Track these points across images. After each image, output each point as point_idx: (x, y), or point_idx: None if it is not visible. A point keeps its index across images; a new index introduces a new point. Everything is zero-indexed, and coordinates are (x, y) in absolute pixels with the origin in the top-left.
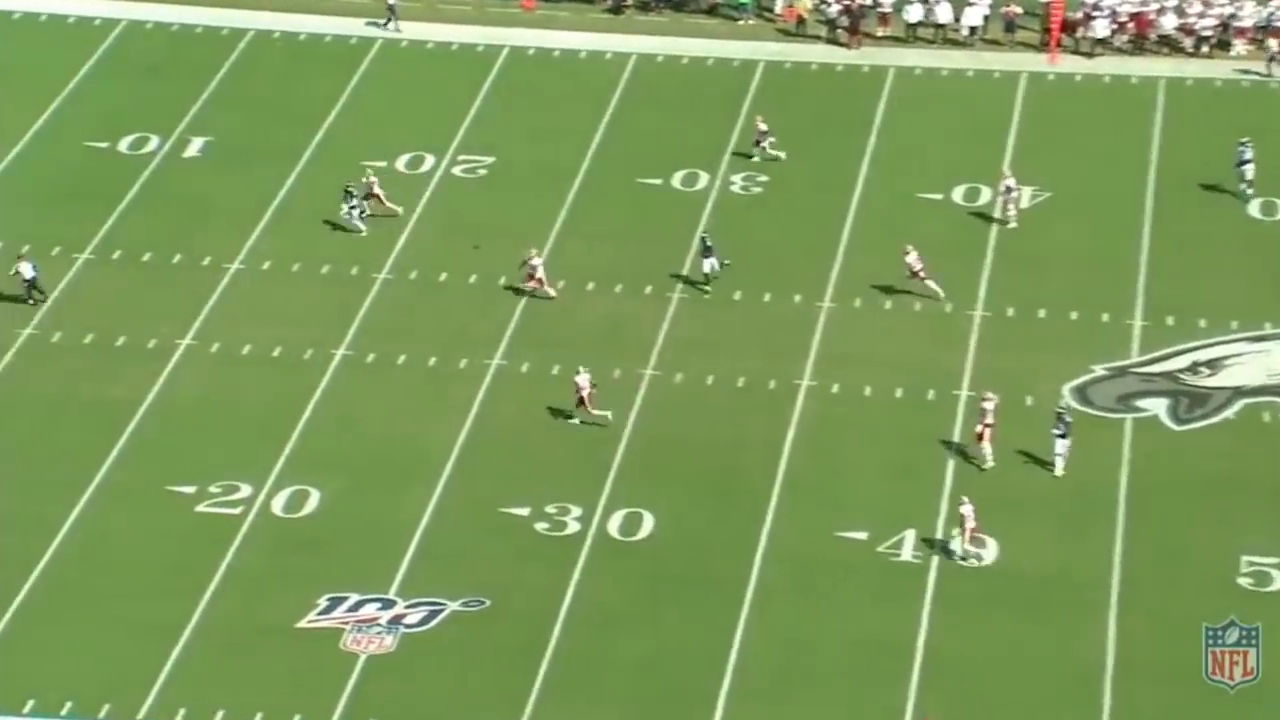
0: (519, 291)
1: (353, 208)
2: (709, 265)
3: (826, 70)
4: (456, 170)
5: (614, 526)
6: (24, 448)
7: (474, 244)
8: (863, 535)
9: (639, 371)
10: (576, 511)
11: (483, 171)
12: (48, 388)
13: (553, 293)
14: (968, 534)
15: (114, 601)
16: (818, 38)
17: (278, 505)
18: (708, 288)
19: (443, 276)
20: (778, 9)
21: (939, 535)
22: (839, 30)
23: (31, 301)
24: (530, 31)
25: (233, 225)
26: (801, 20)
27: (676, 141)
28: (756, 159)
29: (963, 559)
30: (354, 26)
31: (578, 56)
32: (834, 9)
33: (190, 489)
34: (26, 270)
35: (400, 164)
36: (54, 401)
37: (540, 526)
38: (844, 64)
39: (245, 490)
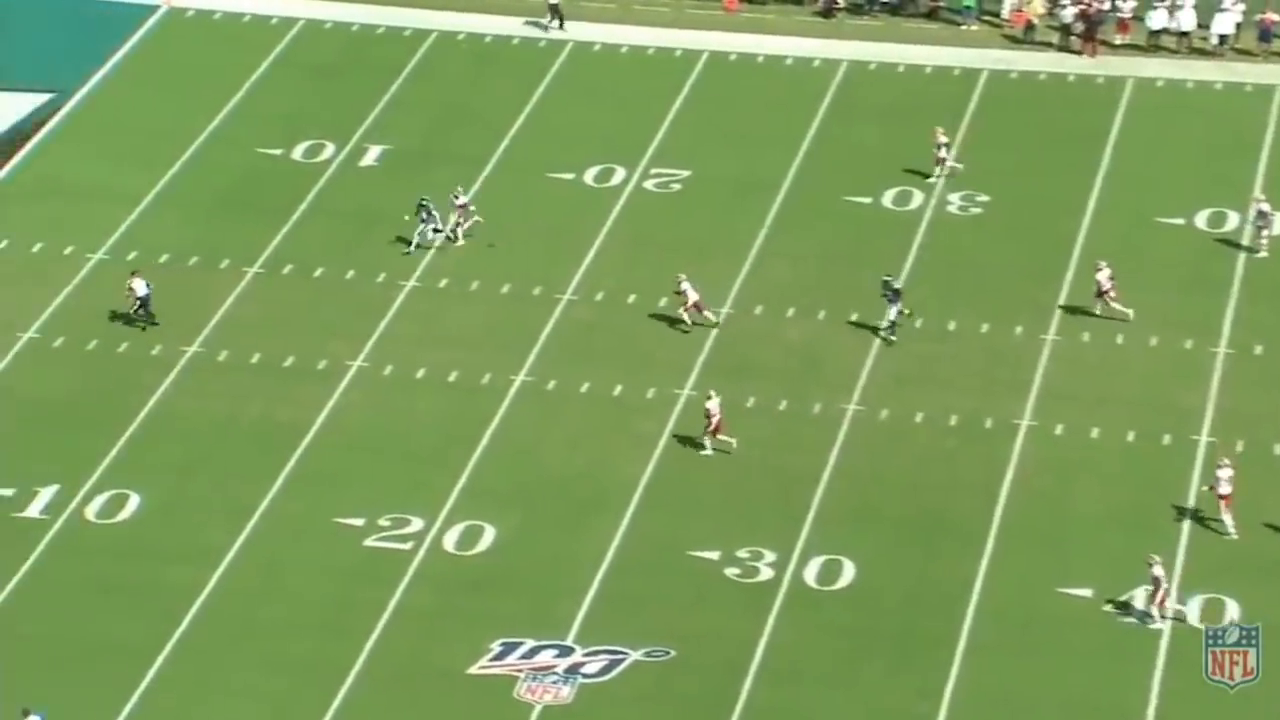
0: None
1: (424, 222)
2: (891, 314)
3: (1057, 80)
4: (648, 184)
5: (811, 574)
6: (188, 472)
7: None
8: (1087, 592)
9: (841, 406)
10: (770, 557)
11: (677, 186)
12: (213, 409)
13: (713, 317)
14: (1160, 597)
15: (277, 638)
16: (1048, 45)
17: (450, 541)
18: (893, 337)
19: (631, 298)
20: (1004, 13)
21: (1173, 594)
22: (1073, 37)
23: (141, 326)
24: (732, 35)
25: (397, 242)
26: (1031, 26)
27: (889, 156)
28: (937, 179)
29: (1156, 620)
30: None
31: (783, 63)
32: (1069, 13)
33: (359, 521)
34: (139, 288)
35: (588, 176)
36: (219, 423)
37: (731, 572)
38: (1076, 74)
39: (416, 524)
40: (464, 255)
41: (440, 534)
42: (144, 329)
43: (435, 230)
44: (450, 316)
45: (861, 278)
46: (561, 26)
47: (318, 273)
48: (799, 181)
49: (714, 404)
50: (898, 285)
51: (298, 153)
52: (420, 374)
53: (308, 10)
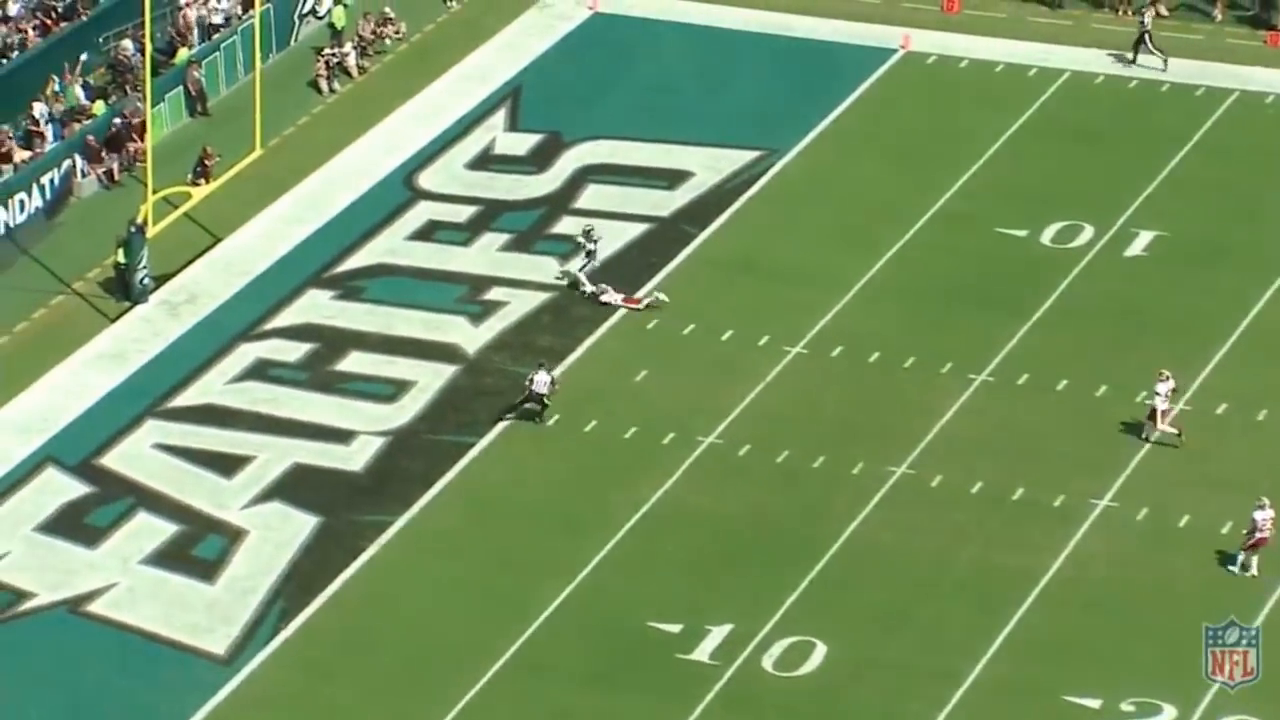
0: None
1: (590, 254)
2: None
3: None
4: None
5: None
6: (886, 621)
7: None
8: None
9: None
10: None
11: None
12: (920, 546)
13: (1174, 430)
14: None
15: None
16: None
17: None
18: None
19: None
20: None
21: None
22: None
23: (536, 419)
24: None
25: (1180, 349)
26: None
27: None
28: None
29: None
30: None
31: None
32: None
33: (1095, 703)
34: (540, 382)
35: None
36: (926, 565)
37: None
38: None
39: (1168, 712)
40: (1248, 370)
41: None
42: (537, 420)
43: (583, 269)
44: (1228, 452)
45: None
46: (1135, 61)
47: (1061, 385)
48: None
49: (1264, 515)
50: None
51: (1047, 235)
52: (1183, 522)
53: (1075, 60)
